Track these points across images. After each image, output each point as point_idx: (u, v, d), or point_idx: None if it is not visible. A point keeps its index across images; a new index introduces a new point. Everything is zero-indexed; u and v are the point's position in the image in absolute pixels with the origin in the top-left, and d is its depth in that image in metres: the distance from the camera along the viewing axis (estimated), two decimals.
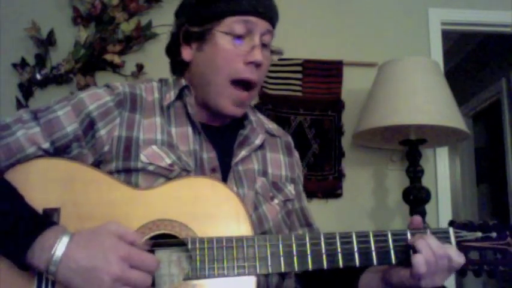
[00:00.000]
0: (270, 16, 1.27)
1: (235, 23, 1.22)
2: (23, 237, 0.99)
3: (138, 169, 1.17)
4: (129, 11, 2.86)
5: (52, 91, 2.78)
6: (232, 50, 1.22)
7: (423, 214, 2.60)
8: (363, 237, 1.11)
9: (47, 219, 1.05)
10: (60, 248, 0.97)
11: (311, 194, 2.84)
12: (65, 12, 2.87)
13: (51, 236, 0.99)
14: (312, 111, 2.93)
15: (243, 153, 1.28)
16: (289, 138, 1.47)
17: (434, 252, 1.06)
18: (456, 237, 1.13)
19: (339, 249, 1.09)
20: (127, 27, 2.85)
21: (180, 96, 1.29)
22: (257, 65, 1.23)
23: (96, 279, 0.96)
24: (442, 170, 3.03)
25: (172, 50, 1.33)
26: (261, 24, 1.24)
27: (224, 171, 1.25)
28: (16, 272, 1.01)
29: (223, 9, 1.22)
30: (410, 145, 2.68)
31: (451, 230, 1.14)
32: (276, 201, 1.31)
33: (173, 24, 1.34)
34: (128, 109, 1.23)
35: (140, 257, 1.00)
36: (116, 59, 2.82)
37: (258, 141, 1.32)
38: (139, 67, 2.84)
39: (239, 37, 1.23)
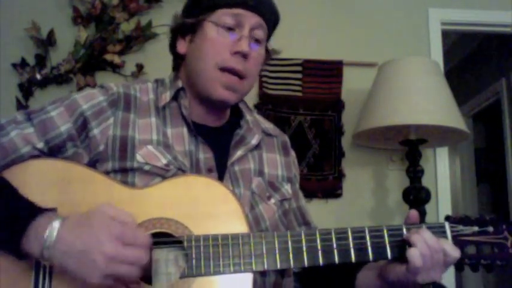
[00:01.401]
0: (261, 10, 1.27)
1: (225, 15, 1.24)
2: (18, 225, 0.99)
3: (134, 169, 1.17)
4: (129, 11, 2.87)
5: (52, 91, 2.79)
6: (218, 39, 1.24)
7: (423, 214, 2.60)
8: (358, 233, 1.11)
9: (40, 207, 1.04)
10: (51, 232, 0.97)
11: (311, 194, 2.84)
12: (65, 12, 2.88)
13: (43, 221, 0.99)
14: (312, 111, 2.94)
15: (239, 153, 1.28)
16: (286, 138, 1.46)
17: (429, 246, 1.06)
18: (452, 231, 1.13)
19: (335, 246, 1.09)
20: (127, 27, 2.86)
21: (175, 97, 1.29)
22: (244, 55, 1.23)
23: (90, 260, 0.94)
24: (442, 170, 3.03)
25: (171, 46, 1.35)
26: (250, 18, 1.25)
27: (220, 171, 1.25)
28: (13, 263, 1.01)
29: (214, 2, 1.25)
30: (410, 145, 2.68)
31: (446, 224, 1.14)
32: (272, 200, 1.31)
33: (172, 21, 1.35)
34: (121, 109, 1.23)
35: (133, 234, 0.98)
36: (116, 59, 2.83)
37: (254, 141, 1.32)
38: (139, 67, 2.85)
39: (229, 29, 1.24)
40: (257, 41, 1.27)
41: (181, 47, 1.31)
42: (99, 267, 0.94)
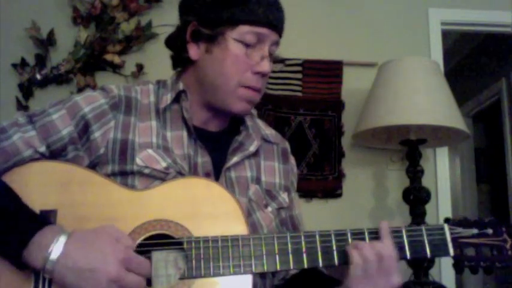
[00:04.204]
0: (281, 28, 1.26)
1: (248, 33, 1.20)
2: (20, 235, 0.99)
3: (134, 172, 1.17)
4: (129, 11, 2.86)
5: (52, 91, 2.79)
6: (242, 58, 1.21)
7: (423, 214, 2.60)
8: (357, 235, 1.12)
9: (44, 219, 1.05)
10: (57, 247, 0.98)
11: (311, 194, 2.85)
12: (65, 12, 2.88)
13: (48, 235, 0.99)
14: (312, 111, 2.94)
15: (235, 159, 1.27)
16: (286, 144, 1.44)
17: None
18: (451, 233, 1.14)
19: (334, 247, 1.10)
20: (127, 27, 2.86)
21: (177, 100, 1.28)
22: (263, 74, 1.23)
23: (92, 279, 0.97)
24: (442, 170, 3.02)
25: (177, 45, 1.30)
26: (271, 36, 1.23)
27: (217, 176, 1.24)
28: (13, 271, 1.01)
29: (238, 16, 1.20)
30: (410, 145, 2.68)
31: (446, 226, 1.15)
32: (269, 209, 1.29)
33: (179, 18, 1.30)
34: (123, 112, 1.22)
35: (137, 261, 1.01)
36: (116, 59, 2.83)
37: (252, 148, 1.31)
38: (139, 67, 2.85)
39: (249, 45, 1.21)
40: (270, 54, 1.25)
41: (195, 53, 1.26)
42: (101, 287, 0.96)
